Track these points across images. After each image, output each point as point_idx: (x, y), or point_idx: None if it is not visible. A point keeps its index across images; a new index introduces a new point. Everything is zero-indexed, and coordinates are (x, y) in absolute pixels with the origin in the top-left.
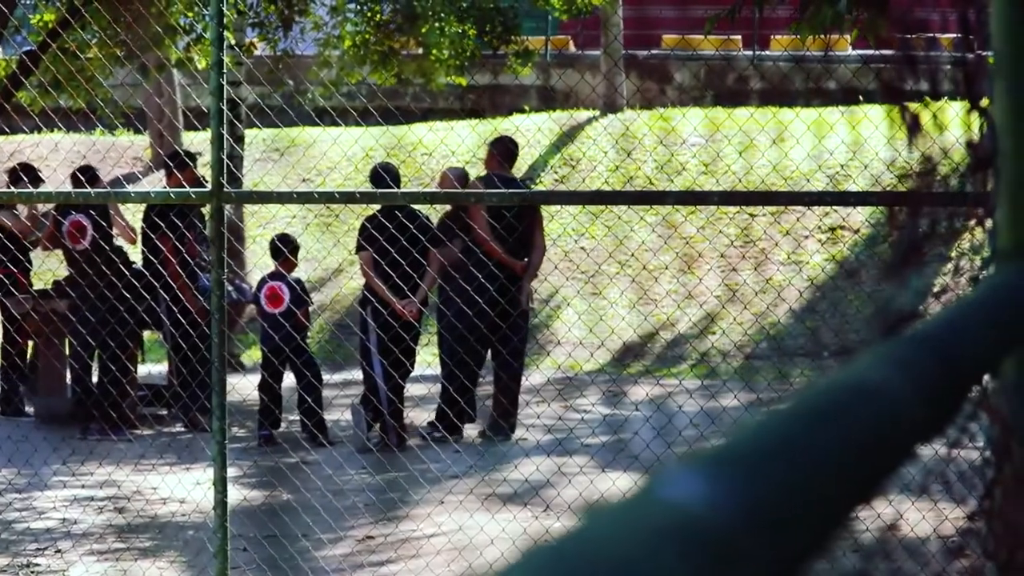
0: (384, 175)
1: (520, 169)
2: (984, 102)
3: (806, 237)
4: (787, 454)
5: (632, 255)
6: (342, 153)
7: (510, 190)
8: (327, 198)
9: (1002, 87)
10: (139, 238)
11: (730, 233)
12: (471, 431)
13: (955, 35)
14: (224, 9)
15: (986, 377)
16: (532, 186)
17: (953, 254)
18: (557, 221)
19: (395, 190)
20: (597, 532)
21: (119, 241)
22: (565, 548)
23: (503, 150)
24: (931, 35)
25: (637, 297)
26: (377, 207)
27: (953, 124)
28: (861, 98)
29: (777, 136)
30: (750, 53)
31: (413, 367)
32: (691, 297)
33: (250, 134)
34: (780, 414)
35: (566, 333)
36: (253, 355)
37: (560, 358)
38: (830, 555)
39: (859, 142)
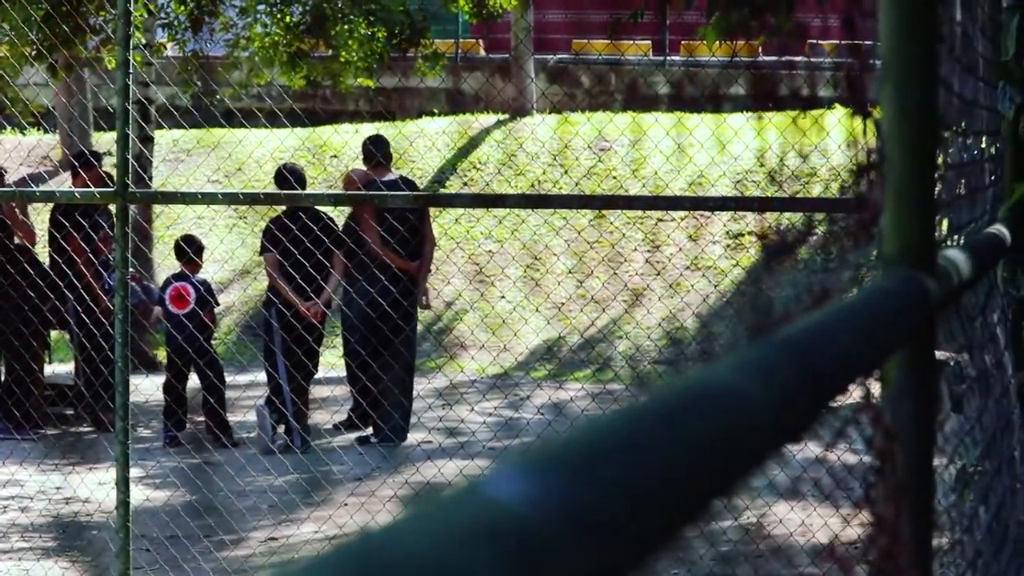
0: (288, 176)
1: (427, 171)
2: (871, 106)
3: (713, 243)
4: (621, 455)
5: (537, 258)
6: (249, 155)
7: (405, 192)
8: (231, 199)
9: (889, 91)
10: (46, 238)
11: (636, 238)
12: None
13: (841, 40)
14: (131, 9)
15: (869, 381)
16: (434, 187)
17: (837, 259)
18: (463, 223)
19: (299, 191)
20: (407, 529)
21: (20, 240)
22: (370, 545)
23: (380, 151)
24: (813, 40)
25: (541, 301)
26: (282, 208)
27: (839, 129)
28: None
29: (683, 141)
30: (660, 58)
31: (316, 369)
32: (596, 302)
33: (160, 135)
34: (621, 415)
35: (470, 336)
36: (162, 355)
37: (464, 361)
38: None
39: (763, 149)
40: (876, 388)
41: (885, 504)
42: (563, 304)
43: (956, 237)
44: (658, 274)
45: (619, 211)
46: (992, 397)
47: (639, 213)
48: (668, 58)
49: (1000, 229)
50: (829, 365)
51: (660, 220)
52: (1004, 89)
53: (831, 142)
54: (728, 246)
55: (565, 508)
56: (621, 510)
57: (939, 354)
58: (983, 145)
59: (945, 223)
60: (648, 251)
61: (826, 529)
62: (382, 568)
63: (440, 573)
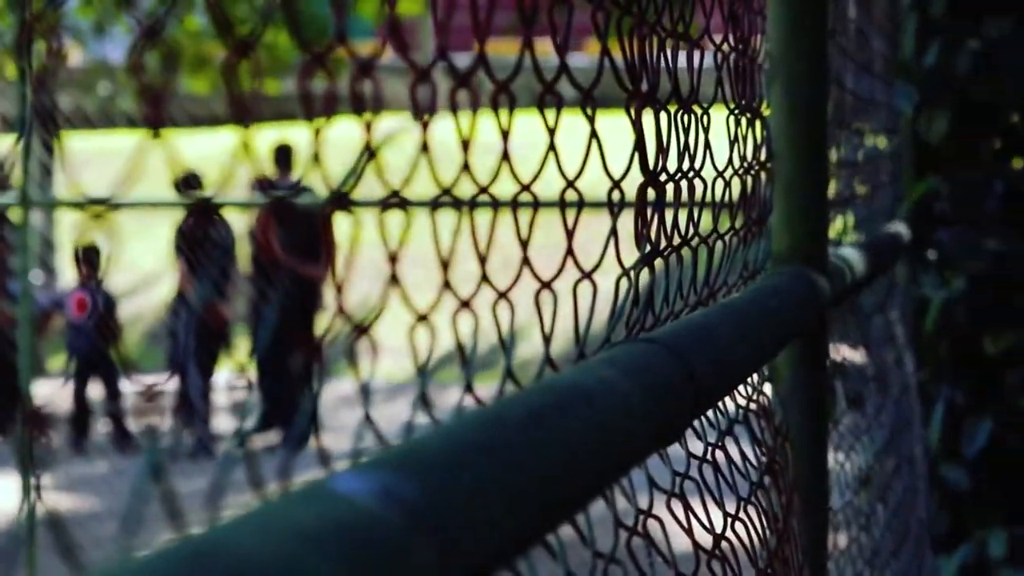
0: (191, 182)
1: (334, 176)
2: (759, 105)
3: (623, 242)
4: (483, 452)
5: (447, 261)
6: (155, 160)
7: (302, 198)
8: (133, 206)
9: (778, 89)
10: None
11: (550, 241)
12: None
13: (728, 37)
14: (31, 16)
15: (759, 379)
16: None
17: (726, 258)
18: (372, 226)
19: (203, 196)
20: (249, 524)
21: None
22: (207, 542)
23: (283, 156)
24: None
25: (454, 304)
26: (191, 214)
27: (726, 127)
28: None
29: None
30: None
31: (223, 373)
32: (509, 304)
33: (65, 142)
34: (487, 412)
35: (383, 340)
36: (59, 362)
37: (385, 365)
38: (519, 561)
39: (642, 148)
40: (768, 386)
41: (776, 503)
42: (471, 304)
43: (856, 235)
44: (554, 276)
45: (535, 211)
46: (891, 395)
47: (555, 213)
48: (574, 58)
49: (900, 227)
50: (710, 363)
51: (576, 220)
52: (902, 87)
53: (719, 141)
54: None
55: (417, 505)
56: (478, 509)
57: (839, 352)
58: (881, 143)
59: (845, 221)
60: (560, 251)
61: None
62: (219, 566)
63: (283, 569)
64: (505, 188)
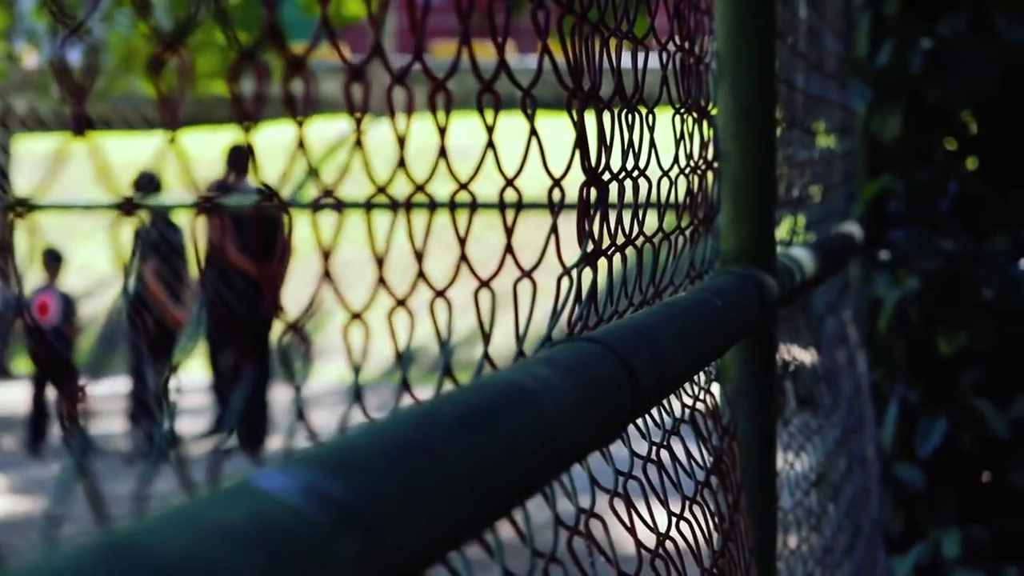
0: (147, 183)
1: (285, 178)
2: (707, 104)
3: (570, 244)
4: (407, 453)
5: (397, 263)
6: (111, 162)
7: (251, 197)
8: (88, 208)
9: (725, 89)
10: None
11: (494, 241)
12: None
13: (675, 36)
14: None
15: (703, 378)
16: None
17: (673, 259)
18: (322, 229)
19: (159, 198)
20: (169, 521)
21: None
22: (126, 539)
23: (239, 159)
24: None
25: (409, 305)
26: (147, 217)
27: (673, 128)
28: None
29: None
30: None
31: (178, 375)
32: (460, 304)
33: (20, 143)
34: (419, 409)
35: (341, 342)
36: (20, 366)
37: (337, 368)
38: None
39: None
40: (716, 386)
41: (723, 503)
42: (408, 303)
43: (808, 235)
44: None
45: (483, 214)
46: (843, 396)
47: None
48: (524, 59)
49: (852, 227)
50: (651, 363)
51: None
52: (856, 87)
53: (666, 141)
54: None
55: (343, 503)
56: (407, 507)
57: (789, 352)
58: (835, 143)
59: (797, 221)
60: (503, 253)
61: (659, 528)
62: (137, 564)
63: (201, 566)
64: (479, 188)
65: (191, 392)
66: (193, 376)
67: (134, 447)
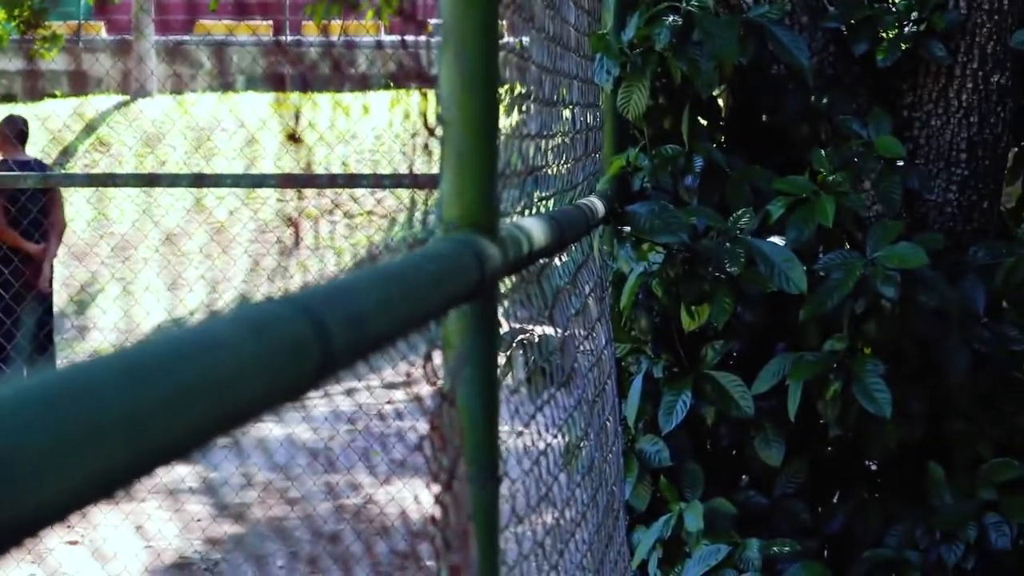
0: None
1: (52, 154)
2: (430, 73)
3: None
4: (64, 402)
5: (167, 238)
6: None
7: (29, 173)
8: None
9: (449, 59)
10: None
11: (263, 218)
12: None
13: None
14: None
15: (425, 344)
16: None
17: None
18: (92, 204)
19: None
20: None
21: None
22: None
23: (15, 131)
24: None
25: (170, 281)
26: None
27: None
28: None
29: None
30: (283, 38)
31: None
32: (224, 280)
33: None
34: (87, 364)
35: (101, 317)
36: None
37: (95, 343)
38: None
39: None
40: (438, 353)
41: (444, 474)
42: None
43: (548, 206)
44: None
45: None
46: (581, 369)
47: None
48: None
49: (593, 201)
50: (347, 323)
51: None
52: (602, 61)
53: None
54: (348, 225)
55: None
56: (54, 454)
57: (521, 324)
58: (579, 117)
59: (537, 193)
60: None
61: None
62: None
63: None
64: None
65: None
66: None
67: None
